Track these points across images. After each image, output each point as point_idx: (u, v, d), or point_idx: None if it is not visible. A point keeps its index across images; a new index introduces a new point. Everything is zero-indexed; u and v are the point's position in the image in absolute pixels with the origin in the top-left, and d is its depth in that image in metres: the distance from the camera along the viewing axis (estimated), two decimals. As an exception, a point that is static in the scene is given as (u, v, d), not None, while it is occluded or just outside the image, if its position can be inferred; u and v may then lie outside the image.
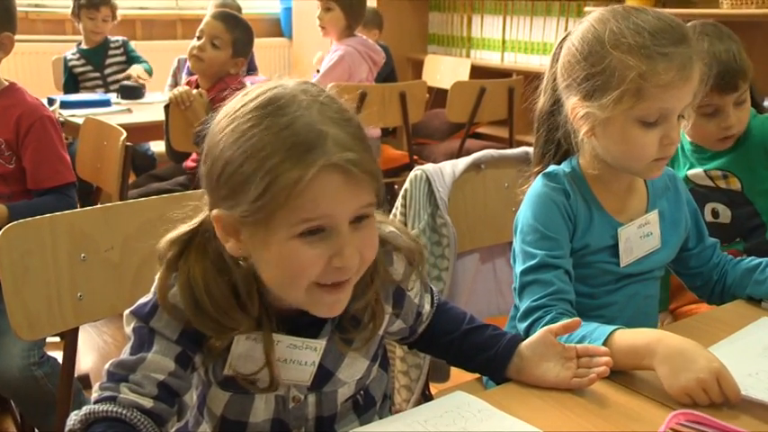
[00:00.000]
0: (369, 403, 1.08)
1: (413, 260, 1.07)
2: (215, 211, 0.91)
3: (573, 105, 1.27)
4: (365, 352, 1.04)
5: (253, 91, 0.90)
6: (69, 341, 1.34)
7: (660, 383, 1.03)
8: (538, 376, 1.07)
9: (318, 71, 3.72)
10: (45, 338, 1.64)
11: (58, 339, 1.69)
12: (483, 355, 1.12)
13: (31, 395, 1.68)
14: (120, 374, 0.93)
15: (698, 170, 1.77)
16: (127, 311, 0.97)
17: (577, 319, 1.11)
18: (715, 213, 1.78)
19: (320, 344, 0.98)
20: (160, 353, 0.93)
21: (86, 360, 2.68)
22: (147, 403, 0.91)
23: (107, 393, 0.91)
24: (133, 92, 3.57)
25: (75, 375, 1.61)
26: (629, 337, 1.10)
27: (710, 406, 1.00)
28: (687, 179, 1.77)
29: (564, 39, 1.34)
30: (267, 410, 1.00)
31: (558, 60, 1.33)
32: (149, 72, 3.96)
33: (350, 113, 0.90)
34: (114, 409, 0.89)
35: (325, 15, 3.54)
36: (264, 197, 0.84)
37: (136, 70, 3.88)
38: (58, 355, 1.39)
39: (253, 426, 1.00)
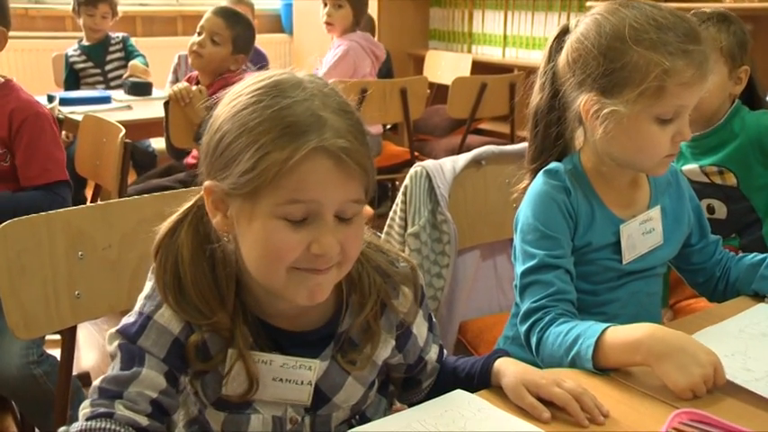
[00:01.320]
0: None
1: (418, 295, 1.07)
2: (207, 182, 0.92)
3: (586, 101, 1.25)
4: (362, 378, 1.04)
5: (262, 74, 0.92)
6: (67, 340, 1.34)
7: (659, 381, 1.03)
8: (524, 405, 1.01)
9: (317, 69, 3.72)
10: (44, 337, 1.63)
11: (58, 337, 1.68)
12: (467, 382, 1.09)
13: (29, 394, 1.67)
14: (113, 391, 0.92)
15: (692, 166, 1.76)
16: (112, 330, 0.96)
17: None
18: (711, 209, 1.77)
19: (314, 363, 0.98)
20: (154, 370, 0.93)
21: (88, 358, 2.67)
22: (143, 421, 0.91)
23: (102, 410, 0.90)
24: (142, 88, 3.57)
25: (76, 373, 1.61)
26: (621, 333, 1.09)
27: (711, 404, 0.99)
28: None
29: (562, 34, 1.32)
30: (264, 431, 1.00)
31: (555, 55, 1.31)
32: (145, 65, 3.96)
33: (351, 108, 0.91)
34: (111, 427, 0.88)
35: (336, 12, 3.56)
36: (254, 171, 0.85)
37: (135, 68, 3.87)
38: (59, 354, 1.38)
39: None
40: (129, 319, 0.96)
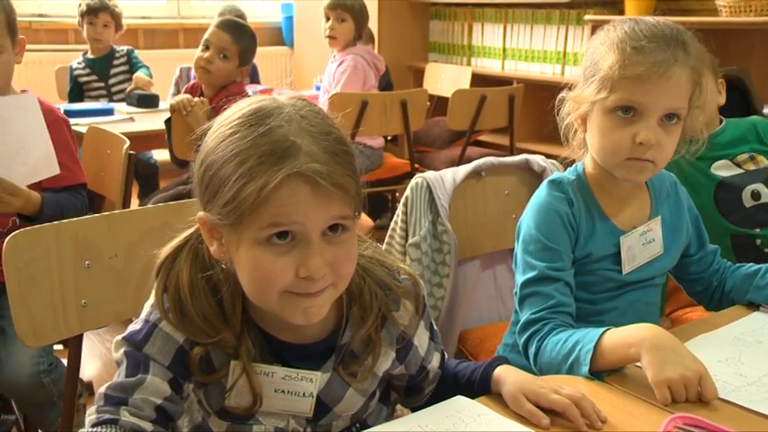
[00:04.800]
0: None
1: (419, 308, 1.08)
2: (200, 213, 0.94)
3: (572, 100, 1.33)
4: (362, 390, 1.05)
5: (244, 102, 0.93)
6: (73, 348, 1.35)
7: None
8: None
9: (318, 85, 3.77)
10: (53, 345, 1.65)
11: (61, 347, 1.70)
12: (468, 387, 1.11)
13: (34, 399, 1.69)
14: (118, 397, 0.94)
15: (723, 162, 1.78)
16: (118, 338, 0.98)
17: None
18: (755, 195, 1.76)
19: (316, 375, 0.99)
20: (158, 377, 0.95)
21: (89, 368, 2.69)
22: (148, 427, 0.92)
23: (107, 416, 0.92)
24: (150, 100, 3.60)
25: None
26: (618, 333, 1.12)
27: (706, 409, 1.01)
28: (711, 176, 1.77)
29: None
30: None
31: None
32: (149, 77, 3.98)
33: (331, 128, 0.92)
34: None
35: (339, 26, 3.59)
36: (235, 201, 0.87)
37: (140, 80, 3.90)
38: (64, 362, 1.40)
39: None
40: (135, 326, 0.98)
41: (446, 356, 1.18)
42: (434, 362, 1.14)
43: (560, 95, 1.35)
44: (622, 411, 1.02)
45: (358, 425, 1.09)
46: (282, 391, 0.99)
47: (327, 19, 3.62)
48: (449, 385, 1.14)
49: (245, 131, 0.88)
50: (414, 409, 1.15)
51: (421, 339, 1.11)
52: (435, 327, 1.15)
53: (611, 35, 1.27)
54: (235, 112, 0.92)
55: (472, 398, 1.05)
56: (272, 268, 0.89)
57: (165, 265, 0.98)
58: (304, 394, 0.99)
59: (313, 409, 1.01)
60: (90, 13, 3.88)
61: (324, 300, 0.93)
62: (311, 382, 0.99)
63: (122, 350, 0.97)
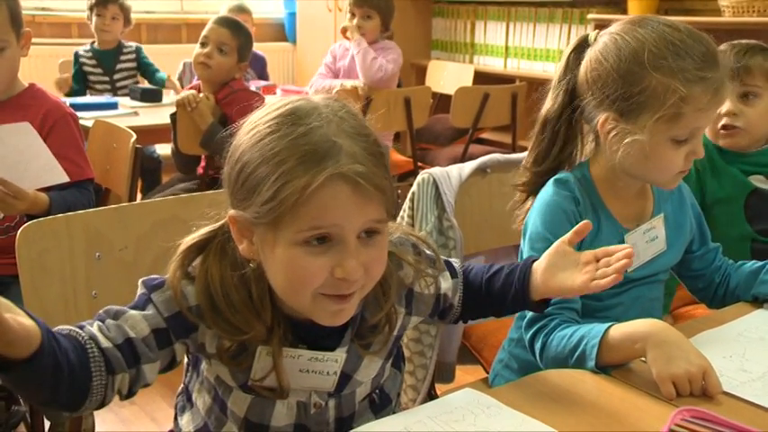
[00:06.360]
0: (384, 401, 1.10)
1: (420, 268, 1.09)
2: (231, 212, 0.94)
3: (604, 119, 1.28)
4: (380, 351, 1.07)
5: (279, 101, 0.94)
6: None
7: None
8: (557, 287, 1.10)
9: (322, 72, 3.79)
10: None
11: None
12: (508, 296, 1.15)
13: None
14: (100, 316, 0.95)
15: (759, 176, 1.78)
16: (141, 279, 1.00)
17: (587, 221, 1.14)
18: None
19: (341, 356, 1.01)
20: (144, 318, 0.95)
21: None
22: (105, 343, 0.91)
23: (80, 323, 0.93)
24: (153, 95, 3.63)
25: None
26: (623, 328, 1.13)
27: (712, 402, 1.03)
28: (746, 182, 1.78)
29: (580, 47, 1.35)
30: (289, 416, 1.02)
31: (574, 67, 1.34)
32: (164, 81, 4.00)
33: (368, 129, 0.93)
34: (75, 333, 0.90)
35: (365, 23, 3.61)
36: (274, 200, 0.87)
37: (171, 84, 3.97)
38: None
39: (275, 429, 1.02)
40: (158, 276, 0.99)
41: (454, 265, 1.19)
42: (444, 283, 1.16)
43: (603, 119, 1.28)
44: (629, 405, 1.03)
45: (378, 391, 1.09)
46: (307, 371, 1.00)
47: (353, 15, 3.62)
48: (481, 295, 1.17)
49: (284, 131, 0.89)
50: (429, 398, 1.15)
51: (420, 283, 1.12)
52: (428, 251, 1.14)
53: (656, 57, 1.22)
54: (270, 111, 0.92)
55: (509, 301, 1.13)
56: (309, 268, 0.90)
57: (185, 261, 0.98)
58: (328, 373, 1.00)
59: (335, 385, 1.02)
60: (99, 5, 3.88)
61: (353, 303, 0.95)
62: (336, 362, 1.00)
63: (139, 292, 0.99)
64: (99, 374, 0.89)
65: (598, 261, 1.08)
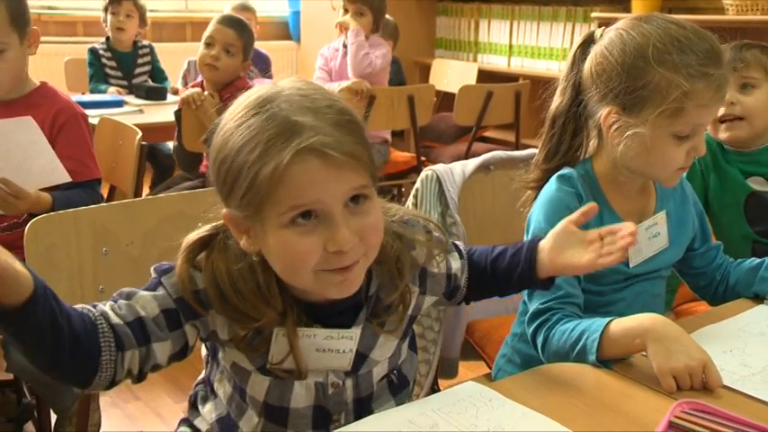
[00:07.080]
0: (402, 383, 1.11)
1: (432, 247, 1.10)
2: (224, 211, 0.96)
3: (606, 114, 1.29)
4: (395, 331, 1.08)
5: (246, 94, 0.95)
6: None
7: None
8: (563, 264, 1.12)
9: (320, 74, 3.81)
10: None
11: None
12: (514, 275, 1.16)
13: (48, 381, 1.71)
14: (114, 297, 0.98)
15: (758, 178, 1.78)
16: (153, 266, 1.02)
17: (593, 204, 1.15)
18: None
19: (356, 333, 1.02)
20: (154, 297, 0.97)
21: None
22: (115, 319, 0.94)
23: (94, 303, 0.95)
24: (158, 93, 3.65)
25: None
26: (624, 322, 1.14)
27: (711, 395, 1.04)
28: (745, 184, 1.78)
29: (586, 43, 1.35)
30: (308, 397, 1.03)
31: (579, 63, 1.35)
32: (168, 86, 4.02)
33: (332, 101, 0.93)
34: (86, 306, 0.93)
35: (358, 20, 3.62)
36: (251, 191, 0.89)
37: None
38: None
39: (294, 412, 1.03)
40: (169, 264, 1.01)
41: (462, 247, 1.21)
42: (454, 263, 1.17)
43: (605, 114, 1.29)
44: (629, 398, 1.04)
45: (396, 372, 1.10)
46: (323, 350, 1.00)
47: (345, 11, 3.64)
48: (486, 275, 1.18)
49: (250, 120, 0.90)
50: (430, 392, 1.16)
51: (431, 266, 1.13)
52: (443, 232, 1.16)
53: (661, 52, 1.22)
54: (238, 104, 0.94)
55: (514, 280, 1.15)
56: (300, 248, 0.91)
57: (190, 256, 0.99)
58: (344, 351, 1.01)
59: (351, 363, 1.03)
60: (113, 2, 3.90)
61: (357, 272, 0.95)
62: (351, 339, 1.01)
63: (151, 277, 1.00)
64: (108, 349, 0.92)
65: (602, 240, 1.10)
